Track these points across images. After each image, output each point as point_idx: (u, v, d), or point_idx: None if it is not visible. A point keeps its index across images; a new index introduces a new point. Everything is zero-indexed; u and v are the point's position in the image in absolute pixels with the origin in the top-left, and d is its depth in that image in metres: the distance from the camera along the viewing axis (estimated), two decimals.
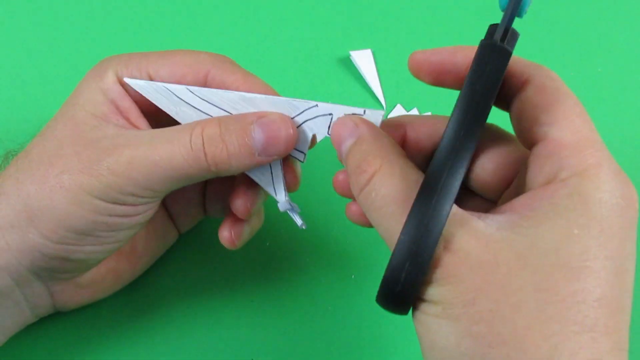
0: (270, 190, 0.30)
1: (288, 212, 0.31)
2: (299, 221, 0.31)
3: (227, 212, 0.33)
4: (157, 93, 0.29)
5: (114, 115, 0.28)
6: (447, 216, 0.21)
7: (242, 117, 0.28)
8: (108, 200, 0.27)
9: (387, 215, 0.23)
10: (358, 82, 0.46)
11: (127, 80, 0.29)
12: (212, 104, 0.29)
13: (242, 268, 0.38)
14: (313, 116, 0.29)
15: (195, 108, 0.29)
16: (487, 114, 0.23)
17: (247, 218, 0.32)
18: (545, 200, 0.21)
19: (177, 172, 0.27)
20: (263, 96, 0.29)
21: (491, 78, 0.22)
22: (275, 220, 0.39)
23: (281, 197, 0.30)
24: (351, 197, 0.28)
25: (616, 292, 0.20)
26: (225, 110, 0.29)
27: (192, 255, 0.38)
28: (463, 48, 0.26)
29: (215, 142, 0.27)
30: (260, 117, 0.28)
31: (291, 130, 0.28)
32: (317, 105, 0.28)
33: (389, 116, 0.45)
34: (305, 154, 0.30)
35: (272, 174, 0.30)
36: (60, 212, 0.26)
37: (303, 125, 0.29)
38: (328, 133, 0.29)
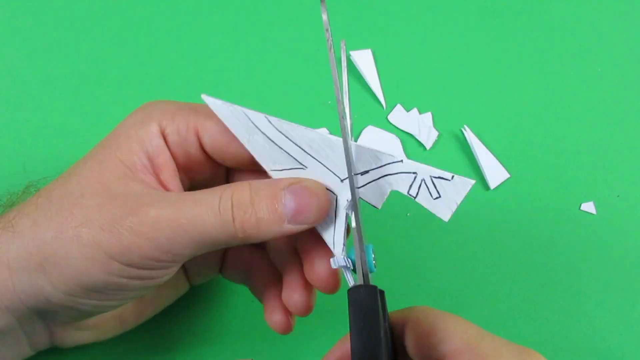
0: (329, 239, 0.27)
1: (342, 268, 0.27)
2: (350, 280, 0.27)
3: (248, 282, 0.32)
4: (233, 116, 0.27)
5: (142, 169, 0.27)
6: None
7: (274, 182, 0.27)
8: (124, 263, 0.25)
9: None
10: (358, 82, 0.46)
11: (204, 97, 0.27)
12: (288, 138, 0.27)
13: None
14: (395, 172, 0.27)
15: (269, 139, 0.27)
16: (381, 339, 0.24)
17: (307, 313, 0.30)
18: None
19: (203, 237, 0.25)
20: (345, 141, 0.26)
21: (368, 309, 0.24)
22: None
23: (338, 250, 0.27)
24: None
25: None
26: (300, 147, 0.27)
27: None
28: (343, 339, 0.28)
29: (245, 206, 0.26)
30: (292, 183, 0.27)
31: (324, 200, 0.27)
32: (402, 161, 0.26)
33: (388, 117, 0.45)
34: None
35: (335, 221, 0.27)
36: (73, 267, 0.25)
37: (382, 179, 0.27)
38: (408, 193, 0.27)
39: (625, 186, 0.43)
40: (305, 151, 0.27)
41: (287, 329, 0.31)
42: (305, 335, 0.37)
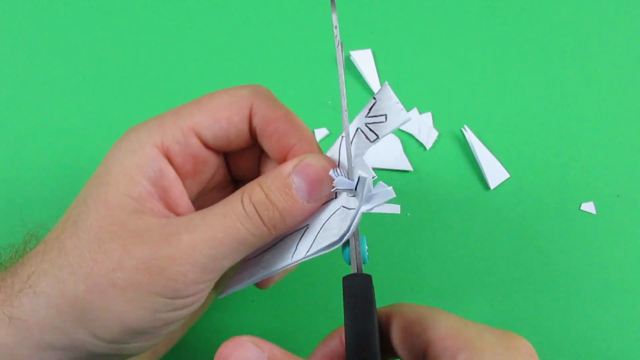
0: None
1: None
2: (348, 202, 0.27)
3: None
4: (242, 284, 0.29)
5: (149, 197, 0.26)
6: None
7: (279, 172, 0.27)
8: (170, 296, 0.25)
9: None
10: (358, 82, 0.46)
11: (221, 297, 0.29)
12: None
13: None
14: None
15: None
16: (374, 329, 0.25)
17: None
18: None
19: (242, 244, 0.26)
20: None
21: (363, 296, 0.25)
22: None
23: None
24: None
25: None
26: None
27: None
28: (333, 333, 0.28)
29: (265, 205, 0.26)
30: (295, 164, 0.27)
31: (330, 169, 0.27)
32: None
33: None
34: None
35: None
36: (116, 314, 0.24)
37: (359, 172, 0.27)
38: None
39: (625, 186, 0.43)
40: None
41: (263, 287, 0.31)
42: (303, 331, 0.37)
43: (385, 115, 0.26)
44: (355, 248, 0.26)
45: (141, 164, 0.26)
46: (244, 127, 0.28)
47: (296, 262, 0.28)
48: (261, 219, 0.26)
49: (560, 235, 0.41)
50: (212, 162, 0.30)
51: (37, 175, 0.41)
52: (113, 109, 0.44)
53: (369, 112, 0.27)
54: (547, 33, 0.49)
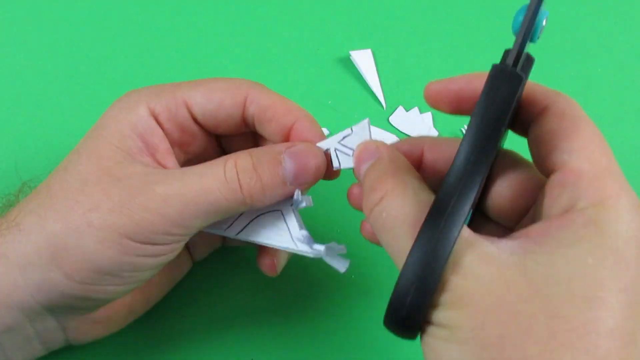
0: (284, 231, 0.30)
1: (325, 255, 0.29)
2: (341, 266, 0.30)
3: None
4: None
5: (139, 152, 0.28)
6: (455, 240, 0.20)
7: (271, 148, 0.28)
8: (138, 240, 0.26)
9: (396, 237, 0.22)
10: (358, 82, 0.46)
11: None
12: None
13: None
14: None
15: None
16: (499, 139, 0.22)
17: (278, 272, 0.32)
18: (561, 229, 0.21)
19: (213, 207, 0.26)
20: None
21: (502, 104, 0.22)
22: None
23: (295, 233, 0.29)
24: None
25: (630, 324, 0.20)
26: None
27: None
28: (479, 75, 0.25)
29: (249, 173, 0.27)
30: (289, 146, 0.28)
31: (320, 159, 0.28)
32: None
33: (390, 118, 0.45)
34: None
35: (283, 215, 0.29)
36: (88, 252, 0.25)
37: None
38: (334, 167, 0.29)
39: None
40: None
41: (273, 272, 0.32)
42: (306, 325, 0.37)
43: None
44: (529, 18, 0.22)
45: (133, 121, 0.28)
46: (235, 112, 0.30)
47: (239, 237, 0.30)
48: (240, 186, 0.26)
49: None
50: (200, 138, 0.31)
51: (28, 175, 0.41)
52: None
53: (342, 140, 0.29)
54: (547, 33, 0.49)
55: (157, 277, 0.32)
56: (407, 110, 0.45)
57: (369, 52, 0.47)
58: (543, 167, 0.23)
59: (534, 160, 0.25)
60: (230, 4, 0.49)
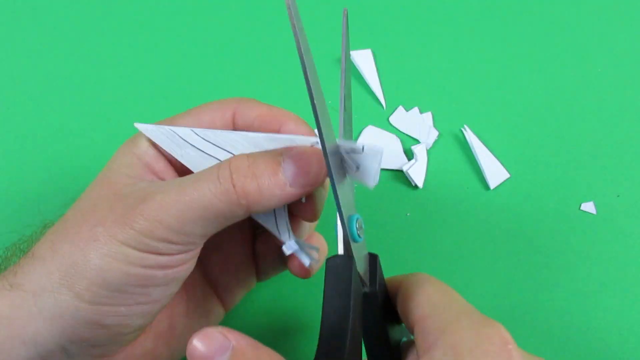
0: (274, 231, 0.29)
1: (295, 253, 0.30)
2: (306, 261, 0.30)
3: (282, 268, 0.33)
4: (164, 136, 0.29)
5: (148, 175, 0.29)
6: None
7: (271, 151, 0.28)
8: (140, 249, 0.26)
9: None
10: (358, 82, 0.46)
11: (137, 125, 0.29)
12: (215, 145, 0.29)
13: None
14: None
15: (199, 149, 0.29)
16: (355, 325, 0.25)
17: (309, 275, 0.32)
18: None
19: (208, 210, 0.26)
20: (264, 135, 0.28)
21: (342, 278, 0.25)
22: None
23: (285, 238, 0.29)
24: None
25: None
26: (227, 151, 0.29)
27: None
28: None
29: (244, 173, 0.26)
30: (289, 149, 0.28)
31: (321, 162, 0.27)
32: (317, 142, 0.28)
33: (390, 118, 0.45)
34: None
35: (275, 213, 0.29)
36: (94, 267, 0.25)
37: None
38: None
39: (625, 186, 0.43)
40: (231, 153, 0.29)
41: (307, 275, 0.32)
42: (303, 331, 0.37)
43: (359, 166, 0.26)
44: (343, 227, 0.26)
45: (139, 153, 0.29)
46: (226, 128, 0.30)
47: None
48: (233, 185, 0.26)
49: (560, 235, 0.41)
50: None
51: (36, 176, 0.41)
52: (114, 112, 0.44)
53: (348, 151, 0.28)
54: (547, 33, 0.49)
55: (182, 324, 0.31)
56: (407, 110, 0.45)
57: (369, 52, 0.47)
58: (409, 327, 0.27)
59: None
60: (230, 4, 0.49)
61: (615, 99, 0.47)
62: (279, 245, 0.30)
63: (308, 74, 0.24)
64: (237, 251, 0.34)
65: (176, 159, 0.29)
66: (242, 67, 0.46)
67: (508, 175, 0.43)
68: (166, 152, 0.29)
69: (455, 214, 0.41)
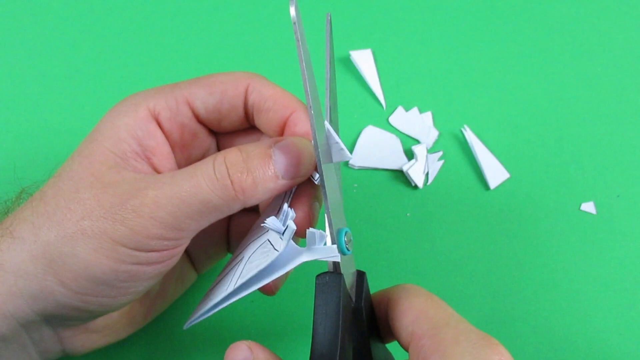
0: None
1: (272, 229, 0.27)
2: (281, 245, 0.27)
3: None
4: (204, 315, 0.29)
5: (133, 155, 0.28)
6: None
7: (260, 142, 0.28)
8: (133, 247, 0.25)
9: None
10: (358, 82, 0.46)
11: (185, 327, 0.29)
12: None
13: None
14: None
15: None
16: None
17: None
18: None
19: (205, 206, 0.26)
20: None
21: (331, 296, 0.25)
22: None
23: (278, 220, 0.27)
24: None
25: None
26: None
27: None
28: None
29: (240, 168, 0.26)
30: (278, 140, 0.27)
31: (311, 152, 0.27)
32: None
33: (389, 119, 0.45)
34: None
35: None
36: (83, 261, 0.25)
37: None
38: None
39: (625, 186, 0.43)
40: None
41: (270, 293, 0.31)
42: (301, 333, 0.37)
43: (330, 153, 0.27)
44: (332, 241, 0.26)
45: (130, 124, 0.28)
46: (237, 103, 0.30)
47: (230, 293, 0.27)
48: (232, 182, 0.26)
49: (560, 235, 0.41)
50: (201, 138, 0.31)
51: (28, 181, 0.41)
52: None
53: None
54: (547, 33, 0.49)
55: (158, 288, 0.32)
56: (406, 110, 0.45)
57: (369, 52, 0.47)
58: (404, 343, 0.27)
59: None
60: (230, 4, 0.49)
61: (615, 99, 0.47)
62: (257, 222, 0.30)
63: (307, 85, 0.24)
64: (213, 226, 0.33)
65: (174, 131, 0.28)
66: (242, 67, 0.46)
67: (508, 175, 0.43)
68: (165, 124, 0.28)
69: (455, 214, 0.41)
